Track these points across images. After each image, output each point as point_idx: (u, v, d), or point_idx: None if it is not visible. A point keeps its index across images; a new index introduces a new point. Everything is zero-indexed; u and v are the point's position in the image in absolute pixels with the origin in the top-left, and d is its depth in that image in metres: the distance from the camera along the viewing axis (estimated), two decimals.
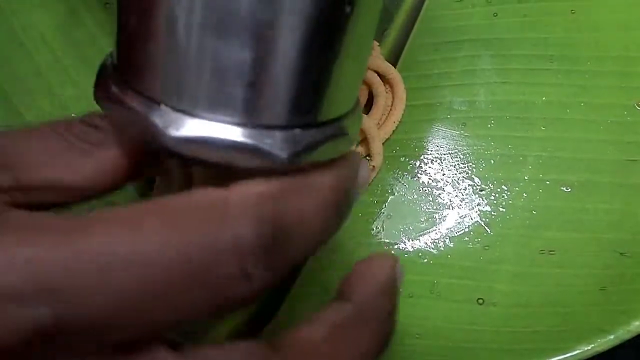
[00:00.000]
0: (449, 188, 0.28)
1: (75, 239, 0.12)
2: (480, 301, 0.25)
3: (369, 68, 0.29)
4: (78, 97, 0.29)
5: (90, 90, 0.29)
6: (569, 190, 0.27)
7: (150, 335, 0.13)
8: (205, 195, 0.14)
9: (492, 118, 0.29)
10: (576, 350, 0.22)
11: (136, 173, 0.17)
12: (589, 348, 0.22)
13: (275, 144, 0.14)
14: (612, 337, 0.22)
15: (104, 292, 0.12)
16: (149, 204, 0.14)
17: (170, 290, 0.13)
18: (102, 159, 0.16)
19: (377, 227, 0.28)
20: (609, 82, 0.28)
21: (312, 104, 0.15)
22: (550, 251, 0.26)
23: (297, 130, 0.15)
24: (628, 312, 0.23)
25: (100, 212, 0.13)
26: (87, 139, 0.16)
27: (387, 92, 0.29)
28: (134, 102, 0.15)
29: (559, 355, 0.22)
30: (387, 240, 0.27)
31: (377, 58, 0.30)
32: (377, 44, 0.31)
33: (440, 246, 0.27)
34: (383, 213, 0.28)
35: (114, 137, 0.16)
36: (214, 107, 0.14)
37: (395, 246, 0.27)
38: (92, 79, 0.29)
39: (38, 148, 0.16)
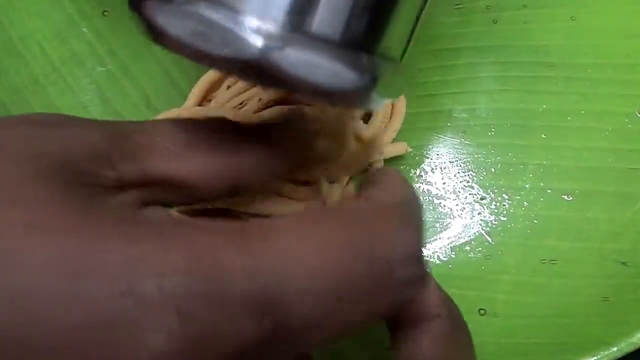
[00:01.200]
0: (449, 197, 0.28)
1: (270, 245, 0.12)
2: (482, 312, 0.25)
3: None
4: (76, 106, 0.29)
5: (87, 99, 0.29)
6: (570, 198, 0.27)
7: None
8: (370, 200, 0.15)
9: (492, 126, 0.29)
10: None
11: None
12: None
13: (359, 64, 0.14)
14: (614, 349, 0.22)
15: (309, 298, 0.12)
16: (320, 212, 0.14)
17: (358, 296, 0.13)
18: (240, 162, 0.15)
19: None
20: (609, 89, 0.28)
21: (384, 33, 0.14)
22: (552, 260, 0.26)
23: (377, 57, 0.14)
24: (631, 323, 0.22)
25: (270, 221, 0.13)
26: (222, 139, 0.15)
27: None
28: (209, 12, 0.13)
29: None
30: None
31: None
32: None
33: (441, 256, 0.27)
34: None
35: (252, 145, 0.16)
36: (299, 18, 0.13)
37: None
38: (91, 88, 0.29)
39: (168, 138, 0.15)
